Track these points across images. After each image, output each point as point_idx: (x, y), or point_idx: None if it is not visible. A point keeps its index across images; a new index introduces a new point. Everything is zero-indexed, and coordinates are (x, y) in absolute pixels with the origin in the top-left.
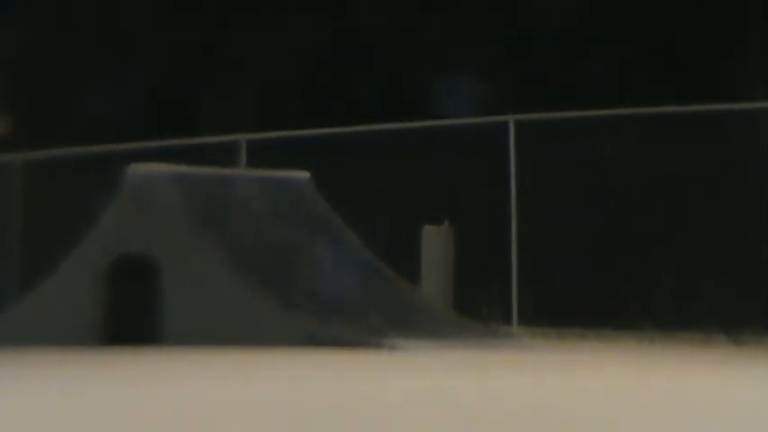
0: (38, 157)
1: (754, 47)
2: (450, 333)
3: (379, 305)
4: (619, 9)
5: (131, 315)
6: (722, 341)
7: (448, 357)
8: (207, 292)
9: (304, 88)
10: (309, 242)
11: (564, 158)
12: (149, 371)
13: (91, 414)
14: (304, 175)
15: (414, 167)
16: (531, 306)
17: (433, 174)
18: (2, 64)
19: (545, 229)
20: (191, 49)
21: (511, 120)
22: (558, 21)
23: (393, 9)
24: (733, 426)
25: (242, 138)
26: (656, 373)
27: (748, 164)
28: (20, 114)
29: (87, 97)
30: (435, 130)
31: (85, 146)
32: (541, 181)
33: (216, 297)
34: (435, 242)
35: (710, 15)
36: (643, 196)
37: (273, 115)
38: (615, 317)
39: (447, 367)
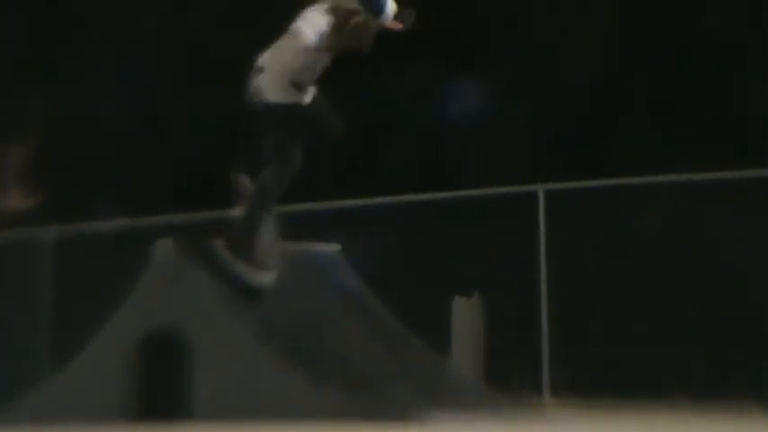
0: (68, 231)
1: None
2: (480, 406)
3: (408, 377)
4: (647, 77)
5: (161, 389)
6: (756, 412)
7: (479, 430)
8: (235, 366)
9: (333, 160)
10: (339, 315)
11: (594, 227)
12: None
13: None
14: (334, 247)
15: (443, 238)
16: (563, 378)
17: (463, 245)
18: (31, 137)
19: (576, 299)
20: (217, 123)
21: (540, 189)
22: (587, 89)
23: (418, 79)
24: None
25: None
26: None
27: None
28: (50, 188)
29: (116, 172)
30: (464, 201)
31: (115, 220)
32: (572, 250)
33: (244, 370)
34: (465, 314)
35: (743, 82)
36: (675, 265)
37: (302, 187)
38: (648, 388)
39: None
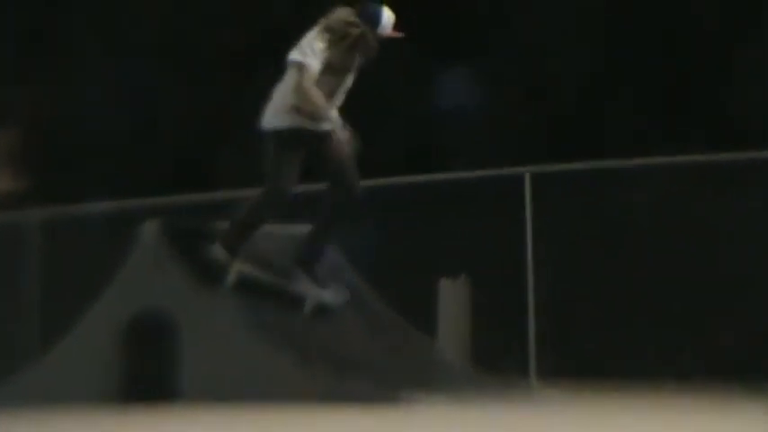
0: (55, 213)
1: None
2: (467, 387)
3: (396, 359)
4: (632, 62)
5: (149, 372)
6: (742, 392)
7: (465, 412)
8: (224, 349)
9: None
10: None
11: (580, 210)
12: (166, 430)
13: None
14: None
15: (429, 221)
16: (549, 359)
17: (449, 227)
18: (17, 120)
19: (562, 280)
20: (206, 105)
21: (526, 172)
22: (574, 71)
23: (408, 62)
24: None
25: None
26: (677, 427)
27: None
28: (37, 170)
29: (103, 153)
30: (450, 183)
31: (102, 202)
32: (558, 232)
33: (232, 353)
34: (452, 295)
35: (729, 65)
36: (662, 247)
37: None
38: (635, 370)
39: (464, 422)
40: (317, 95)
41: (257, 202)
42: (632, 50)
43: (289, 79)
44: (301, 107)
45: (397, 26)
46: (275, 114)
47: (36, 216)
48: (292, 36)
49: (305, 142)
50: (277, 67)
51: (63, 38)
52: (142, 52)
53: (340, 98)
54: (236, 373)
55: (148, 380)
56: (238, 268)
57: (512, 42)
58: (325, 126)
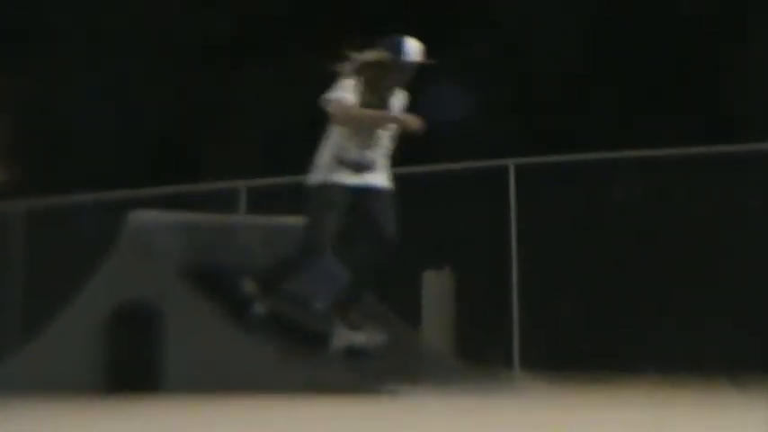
0: (40, 204)
1: (761, 87)
2: (451, 378)
3: (379, 350)
4: (618, 53)
5: (132, 362)
6: (725, 384)
7: (450, 403)
8: (207, 339)
9: (304, 134)
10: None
11: (565, 202)
12: (150, 419)
13: None
14: (303, 221)
15: (413, 212)
16: (533, 350)
17: (434, 218)
18: (4, 110)
19: (546, 272)
20: (192, 97)
21: (511, 163)
22: (558, 64)
23: None
24: None
25: (242, 184)
26: (659, 418)
27: (753, 207)
28: (23, 161)
29: (89, 144)
30: (435, 175)
31: (87, 193)
32: (542, 225)
33: (216, 343)
34: (436, 287)
35: (711, 58)
36: (645, 240)
37: (273, 162)
38: (619, 361)
39: (449, 413)
40: (359, 110)
41: (292, 259)
42: (619, 43)
43: (329, 132)
44: (344, 155)
45: (426, 53)
46: (318, 169)
47: (21, 206)
48: (284, 29)
49: (345, 197)
50: (268, 59)
51: (50, 30)
52: (129, 44)
53: (386, 143)
54: (220, 364)
55: (132, 369)
56: (269, 303)
57: (499, 34)
58: (366, 180)
